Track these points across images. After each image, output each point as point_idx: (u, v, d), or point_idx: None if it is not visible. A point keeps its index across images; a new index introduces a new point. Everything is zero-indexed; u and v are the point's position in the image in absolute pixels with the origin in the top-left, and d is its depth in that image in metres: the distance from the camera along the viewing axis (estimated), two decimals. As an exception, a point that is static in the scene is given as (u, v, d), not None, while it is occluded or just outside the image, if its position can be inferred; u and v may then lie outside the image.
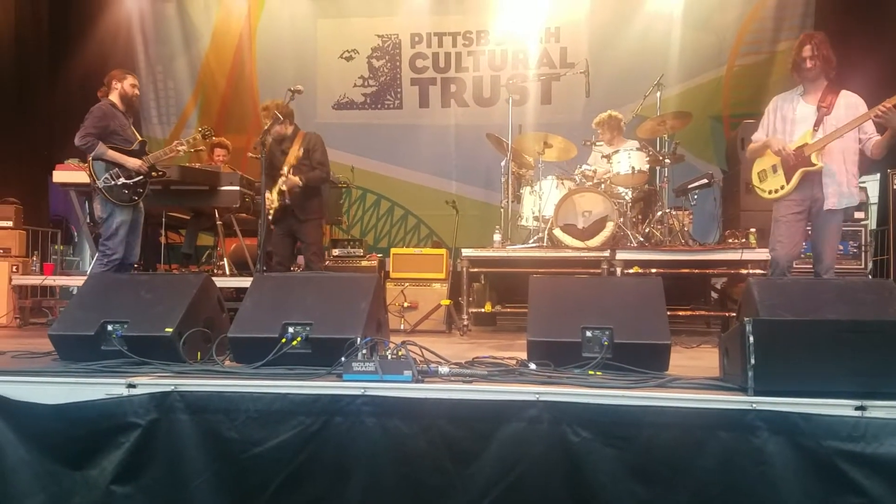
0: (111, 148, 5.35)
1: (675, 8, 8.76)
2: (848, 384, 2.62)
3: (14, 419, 2.92)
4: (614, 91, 8.15)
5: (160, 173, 5.59)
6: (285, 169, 5.76)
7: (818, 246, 4.52)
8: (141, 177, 5.43)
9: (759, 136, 4.71)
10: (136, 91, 5.69)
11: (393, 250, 7.06)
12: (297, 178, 5.76)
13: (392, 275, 6.73)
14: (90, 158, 5.35)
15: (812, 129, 4.42)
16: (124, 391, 2.93)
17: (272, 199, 5.74)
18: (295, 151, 5.86)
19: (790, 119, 4.54)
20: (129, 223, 5.43)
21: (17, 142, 8.36)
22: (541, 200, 6.19)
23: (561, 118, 8.60)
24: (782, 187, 4.51)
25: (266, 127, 5.25)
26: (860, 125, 4.36)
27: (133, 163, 5.39)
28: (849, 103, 4.42)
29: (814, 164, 4.37)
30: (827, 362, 2.66)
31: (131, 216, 5.46)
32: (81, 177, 6.10)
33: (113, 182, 5.32)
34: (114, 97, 5.54)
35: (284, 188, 5.74)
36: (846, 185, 4.41)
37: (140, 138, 5.64)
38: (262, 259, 5.19)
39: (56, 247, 7.50)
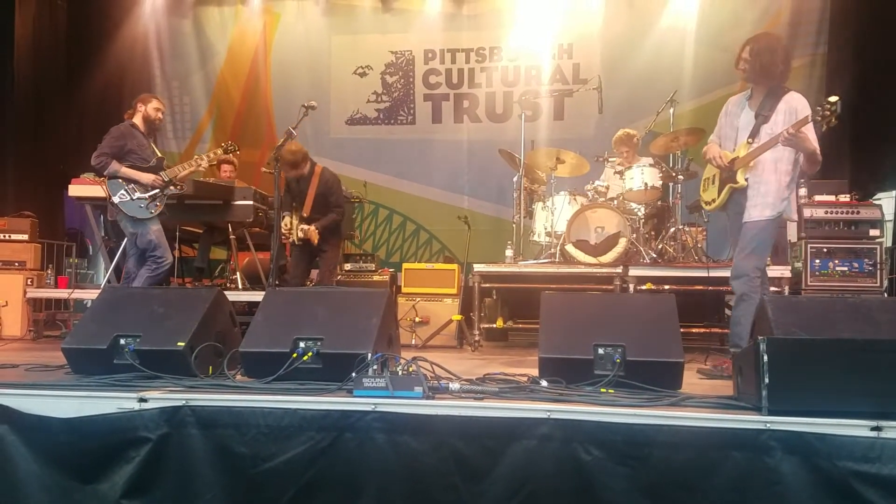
0: (128, 166, 5.42)
1: (688, 25, 8.76)
2: (863, 404, 2.59)
3: (26, 432, 2.93)
4: (627, 107, 8.15)
5: (178, 187, 5.67)
6: (300, 222, 5.95)
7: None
8: (157, 190, 5.48)
9: (711, 139, 4.49)
10: (160, 115, 5.77)
11: (405, 265, 7.06)
12: (313, 232, 5.91)
13: (404, 289, 6.73)
14: (105, 177, 5.42)
15: (747, 141, 4.18)
16: (136, 405, 2.94)
17: (290, 225, 5.92)
18: (311, 195, 5.99)
19: (736, 126, 4.33)
20: (161, 229, 5.53)
21: (33, 156, 8.45)
22: (553, 216, 6.19)
23: (573, 134, 8.60)
24: (713, 200, 4.37)
25: (280, 143, 5.28)
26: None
27: (147, 178, 5.45)
28: (788, 108, 4.10)
29: (737, 182, 4.19)
30: (842, 382, 2.64)
31: (159, 221, 5.55)
32: (97, 191, 6.15)
33: (129, 197, 5.39)
34: (137, 119, 5.63)
35: (302, 236, 5.91)
36: (773, 196, 4.12)
37: (159, 155, 5.70)
38: (274, 273, 5.21)
39: (70, 260, 7.55)
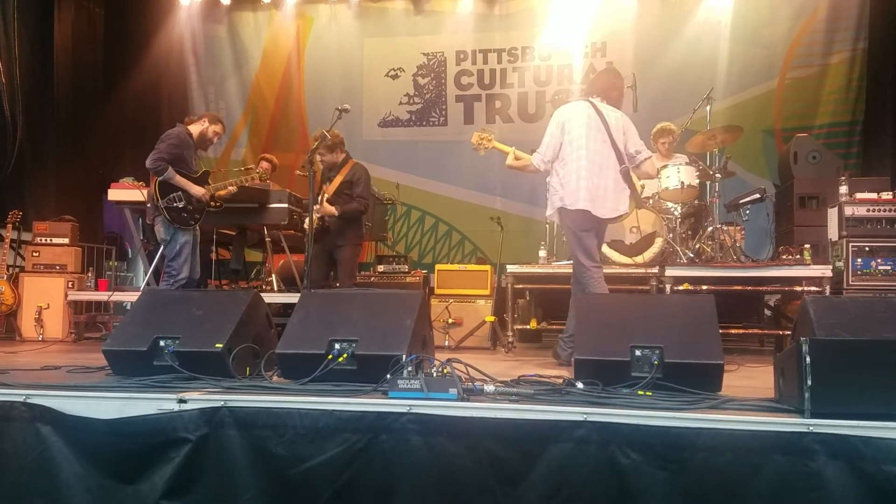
0: (178, 173, 5.52)
1: (723, 20, 8.65)
2: (910, 407, 2.52)
3: (68, 433, 2.97)
4: (662, 105, 8.06)
5: (217, 204, 5.81)
6: (323, 197, 5.91)
7: None
8: (201, 204, 5.63)
9: None
10: (216, 140, 5.99)
11: (437, 266, 7.07)
12: (332, 208, 5.89)
13: (436, 291, 6.73)
14: (157, 179, 5.52)
15: None
16: (175, 406, 2.96)
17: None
18: (338, 180, 5.98)
19: None
20: (191, 243, 5.60)
21: (73, 161, 8.64)
22: (587, 216, 6.12)
23: (607, 133, 8.51)
24: None
25: (314, 146, 5.32)
26: None
27: (197, 191, 5.58)
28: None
29: None
30: (887, 383, 2.57)
31: (192, 236, 5.63)
32: (136, 195, 6.27)
33: (174, 204, 5.50)
34: (194, 129, 5.75)
35: (318, 214, 5.83)
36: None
37: (203, 168, 5.84)
38: (308, 275, 5.24)
39: (110, 263, 7.69)
